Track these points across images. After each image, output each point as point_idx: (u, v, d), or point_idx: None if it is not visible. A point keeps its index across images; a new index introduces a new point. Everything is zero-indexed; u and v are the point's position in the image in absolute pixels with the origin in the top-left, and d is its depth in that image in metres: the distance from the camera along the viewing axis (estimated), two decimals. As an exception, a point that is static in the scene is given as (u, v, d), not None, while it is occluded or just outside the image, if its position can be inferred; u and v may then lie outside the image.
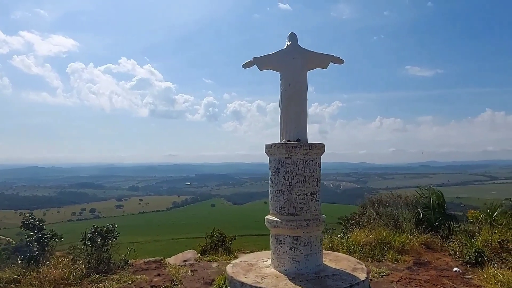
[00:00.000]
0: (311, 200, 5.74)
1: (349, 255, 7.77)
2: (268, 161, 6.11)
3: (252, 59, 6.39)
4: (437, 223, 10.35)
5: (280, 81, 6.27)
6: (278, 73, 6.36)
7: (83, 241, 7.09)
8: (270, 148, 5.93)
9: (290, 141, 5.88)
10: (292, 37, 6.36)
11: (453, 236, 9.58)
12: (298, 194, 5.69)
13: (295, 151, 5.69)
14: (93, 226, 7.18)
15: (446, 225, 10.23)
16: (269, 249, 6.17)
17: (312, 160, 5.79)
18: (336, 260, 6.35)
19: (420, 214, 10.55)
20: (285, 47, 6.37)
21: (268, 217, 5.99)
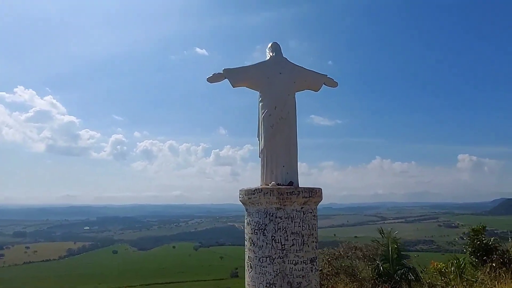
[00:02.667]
0: (311, 271, 4.02)
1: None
2: (246, 214, 4.28)
3: (222, 71, 4.66)
4: (397, 277, 9.33)
5: (259, 103, 4.63)
6: (250, 93, 4.75)
7: None
8: (251, 195, 4.12)
9: (282, 185, 4.16)
10: (276, 47, 4.85)
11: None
12: (294, 262, 3.92)
13: (291, 200, 3.99)
14: None
15: (407, 277, 9.29)
16: None
17: (311, 212, 4.14)
18: None
19: (380, 267, 9.45)
20: (267, 58, 4.81)
21: (247, 299, 4.05)
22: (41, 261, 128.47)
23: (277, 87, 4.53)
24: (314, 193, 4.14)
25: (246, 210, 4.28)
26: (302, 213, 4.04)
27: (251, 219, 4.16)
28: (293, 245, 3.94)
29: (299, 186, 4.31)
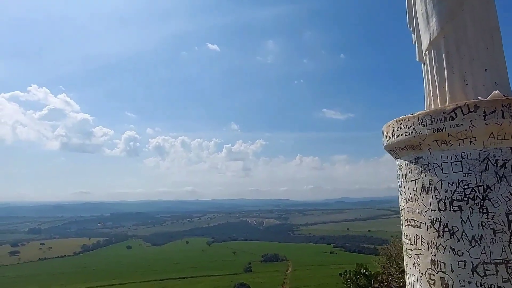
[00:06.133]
0: None
1: None
2: (412, 169, 1.97)
3: None
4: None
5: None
6: None
7: None
8: (446, 121, 1.81)
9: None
10: None
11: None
12: None
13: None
14: None
15: None
16: None
17: None
18: None
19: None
20: None
21: None
22: (56, 257, 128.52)
23: None
24: None
25: (416, 161, 1.99)
26: None
27: (437, 179, 1.87)
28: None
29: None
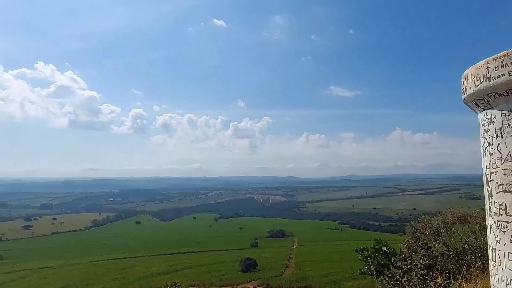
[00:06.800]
0: None
1: None
2: (500, 129, 1.52)
3: None
4: None
5: None
6: None
7: None
8: None
9: None
10: None
11: None
12: None
13: None
14: None
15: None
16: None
17: None
18: None
19: None
20: None
21: None
22: (67, 231, 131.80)
23: None
24: None
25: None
26: None
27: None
28: None
29: None
